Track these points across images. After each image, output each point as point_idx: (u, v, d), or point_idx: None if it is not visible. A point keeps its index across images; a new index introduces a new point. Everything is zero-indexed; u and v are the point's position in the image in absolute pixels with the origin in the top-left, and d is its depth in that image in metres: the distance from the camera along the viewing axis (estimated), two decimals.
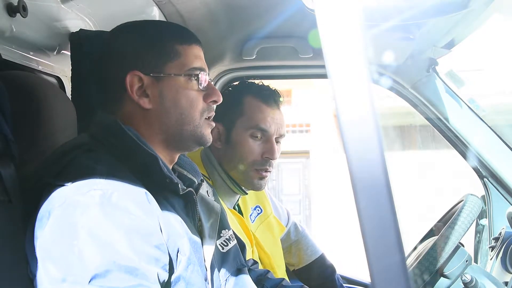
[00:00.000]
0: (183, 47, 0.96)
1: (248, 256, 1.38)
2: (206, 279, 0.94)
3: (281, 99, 1.49)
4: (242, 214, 1.54)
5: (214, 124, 1.02)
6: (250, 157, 1.42)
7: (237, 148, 1.42)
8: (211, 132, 1.37)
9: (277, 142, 1.47)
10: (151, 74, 0.93)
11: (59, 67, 1.31)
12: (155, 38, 0.96)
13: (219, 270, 1.04)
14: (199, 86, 0.97)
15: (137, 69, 0.93)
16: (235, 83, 1.58)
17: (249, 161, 1.42)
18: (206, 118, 0.99)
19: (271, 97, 1.46)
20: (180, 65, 0.95)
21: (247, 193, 1.51)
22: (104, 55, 0.98)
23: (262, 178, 1.44)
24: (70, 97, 1.22)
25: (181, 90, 0.95)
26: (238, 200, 1.52)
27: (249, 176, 1.43)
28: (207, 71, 1.00)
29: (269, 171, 1.45)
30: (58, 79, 1.32)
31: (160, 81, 0.94)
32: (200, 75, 0.96)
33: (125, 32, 0.99)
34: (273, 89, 1.50)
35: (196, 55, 0.98)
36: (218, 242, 1.07)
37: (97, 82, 1.01)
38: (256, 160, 1.42)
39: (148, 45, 0.95)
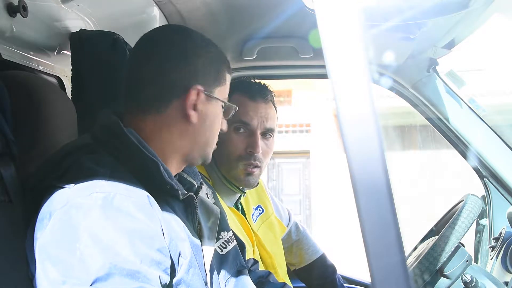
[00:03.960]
0: (228, 76, 1.03)
1: (249, 255, 1.38)
2: (206, 283, 0.94)
3: (270, 94, 1.47)
4: (244, 213, 1.54)
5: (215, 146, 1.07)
6: (235, 152, 1.41)
7: (224, 144, 1.40)
8: None
9: (264, 136, 1.45)
10: (206, 93, 0.97)
11: (60, 67, 1.31)
12: (220, 60, 1.01)
13: (218, 273, 1.04)
14: (225, 116, 1.04)
15: (200, 84, 0.96)
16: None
17: (234, 156, 1.41)
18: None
19: (258, 92, 1.45)
20: (223, 92, 1.02)
21: (245, 192, 1.51)
22: (175, 58, 0.97)
23: (249, 174, 1.42)
24: (70, 97, 1.22)
25: (218, 115, 1.01)
26: (239, 199, 1.52)
27: (237, 172, 1.42)
28: None
29: (257, 167, 1.42)
30: (58, 79, 1.32)
31: (209, 101, 0.98)
32: (234, 108, 1.05)
33: (202, 46, 1.00)
34: (263, 84, 1.48)
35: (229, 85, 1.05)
36: (217, 244, 1.07)
37: (148, 79, 0.96)
38: (241, 155, 1.41)
39: (215, 65, 0.99)
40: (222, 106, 1.01)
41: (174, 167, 0.99)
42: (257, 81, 1.51)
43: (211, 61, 0.99)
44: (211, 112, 0.99)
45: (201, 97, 0.96)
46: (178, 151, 0.97)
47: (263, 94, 1.45)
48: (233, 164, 1.41)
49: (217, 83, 0.99)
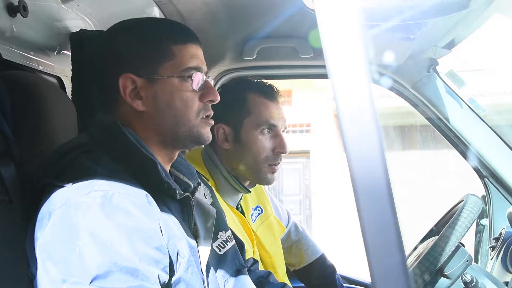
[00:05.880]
0: (178, 47, 0.95)
1: (250, 256, 1.38)
2: (203, 282, 0.94)
3: (279, 92, 1.51)
4: (244, 214, 1.54)
5: (212, 122, 1.00)
6: (263, 154, 1.44)
7: (249, 147, 1.43)
8: (217, 134, 1.38)
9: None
10: (144, 77, 0.93)
11: (60, 67, 1.31)
12: (149, 39, 0.95)
13: (216, 272, 1.03)
14: (194, 87, 0.95)
15: (130, 71, 0.92)
16: (232, 82, 1.58)
17: (262, 157, 1.44)
18: (203, 117, 0.97)
19: (272, 92, 1.48)
20: (175, 66, 0.94)
21: (250, 191, 1.51)
22: (100, 56, 0.98)
23: (274, 172, 1.47)
24: (70, 97, 1.22)
25: (175, 91, 0.93)
26: (241, 199, 1.53)
27: (263, 172, 1.45)
28: (205, 69, 0.98)
29: (279, 164, 1.47)
30: (59, 79, 1.32)
31: (154, 83, 0.93)
32: (194, 76, 0.95)
33: (120, 32, 0.98)
34: (268, 83, 1.51)
35: (192, 54, 0.96)
36: (215, 244, 1.07)
37: (96, 83, 1.01)
38: (269, 156, 1.44)
39: (142, 47, 0.94)
40: (180, 79, 0.94)
41: (163, 161, 0.97)
42: (265, 81, 1.53)
43: (141, 43, 0.94)
44: (160, 92, 0.93)
45: (139, 83, 0.92)
46: (152, 143, 0.95)
47: (277, 94, 1.49)
48: (260, 165, 1.44)
49: (159, 61, 0.93)
